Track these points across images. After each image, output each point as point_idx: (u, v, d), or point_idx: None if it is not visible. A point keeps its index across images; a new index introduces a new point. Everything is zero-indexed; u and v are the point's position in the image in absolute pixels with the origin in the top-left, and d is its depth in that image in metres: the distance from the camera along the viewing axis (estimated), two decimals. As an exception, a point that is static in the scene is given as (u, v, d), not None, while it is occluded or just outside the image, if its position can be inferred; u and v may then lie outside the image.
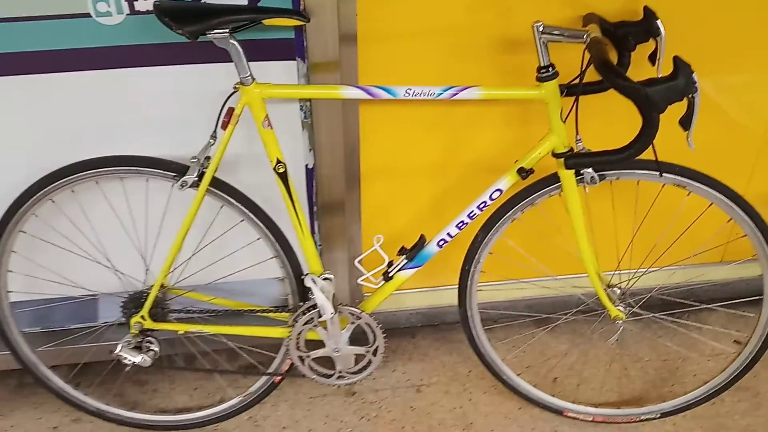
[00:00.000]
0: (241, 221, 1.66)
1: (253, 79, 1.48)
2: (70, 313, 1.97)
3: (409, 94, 1.48)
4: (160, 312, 1.72)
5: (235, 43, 1.44)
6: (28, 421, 1.95)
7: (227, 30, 1.41)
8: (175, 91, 1.64)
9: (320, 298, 1.60)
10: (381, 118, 1.77)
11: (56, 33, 1.52)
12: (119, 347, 1.69)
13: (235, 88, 1.50)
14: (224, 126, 1.52)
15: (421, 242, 1.65)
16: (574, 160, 1.51)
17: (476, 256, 1.69)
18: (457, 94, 1.47)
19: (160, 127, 1.68)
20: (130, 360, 1.68)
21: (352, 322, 1.71)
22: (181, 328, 1.70)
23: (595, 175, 1.55)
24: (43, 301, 1.89)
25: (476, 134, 1.84)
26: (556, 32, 1.43)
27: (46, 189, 1.60)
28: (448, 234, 1.62)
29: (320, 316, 1.65)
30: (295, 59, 1.63)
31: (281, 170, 1.55)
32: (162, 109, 1.66)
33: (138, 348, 1.71)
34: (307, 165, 1.80)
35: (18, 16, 1.49)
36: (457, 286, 1.75)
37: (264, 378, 1.86)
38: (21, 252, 1.72)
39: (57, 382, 1.86)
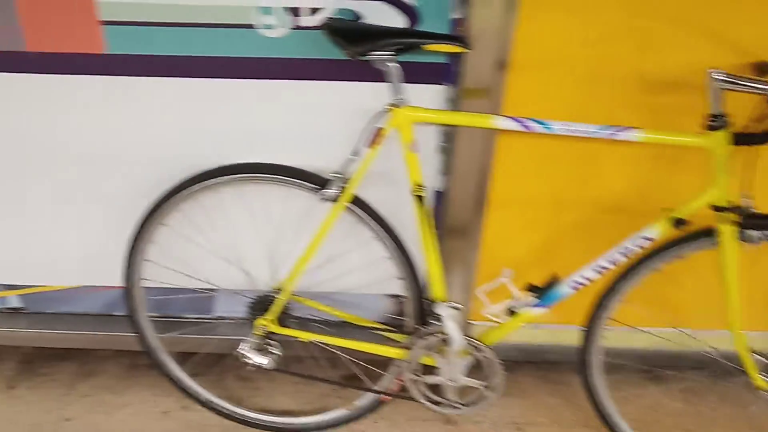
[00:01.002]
0: (372, 238, 1.67)
1: (406, 102, 1.49)
2: (187, 304, 2.05)
3: (565, 130, 1.45)
4: (282, 317, 1.75)
5: (394, 65, 1.45)
6: (139, 401, 2.03)
7: (392, 52, 1.43)
8: (320, 105, 1.68)
9: (452, 328, 1.59)
10: (516, 147, 1.75)
11: (222, 41, 1.58)
12: (244, 347, 1.73)
13: (386, 108, 1.51)
14: (370, 145, 1.54)
15: (554, 282, 1.61)
16: (754, 221, 1.45)
17: (608, 302, 1.64)
18: (615, 134, 1.43)
19: (301, 138, 1.72)
20: (254, 361, 1.72)
21: (473, 354, 1.69)
22: (304, 336, 1.73)
23: (764, 235, 1.48)
24: (166, 290, 1.97)
25: (610, 172, 1.78)
26: (739, 82, 1.35)
27: (193, 188, 1.66)
28: (585, 277, 1.58)
29: (445, 344, 1.64)
30: (442, 84, 1.63)
31: (420, 194, 1.55)
32: (305, 122, 1.70)
33: (260, 349, 1.74)
34: (435, 188, 1.80)
35: (189, 22, 1.56)
36: (582, 328, 1.71)
37: (372, 395, 1.86)
38: (159, 242, 1.80)
39: (174, 369, 1.92)
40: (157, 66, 1.60)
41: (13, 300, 2.04)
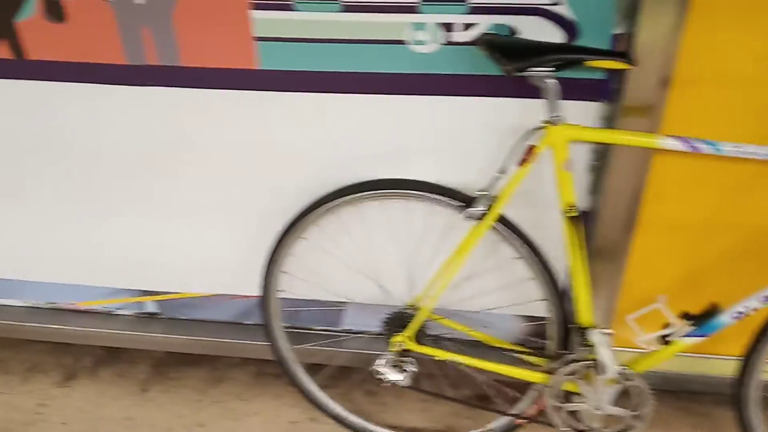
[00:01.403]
0: (515, 258, 1.63)
1: (562, 119, 1.44)
2: (316, 316, 2.06)
3: (735, 151, 1.36)
4: (418, 334, 1.73)
5: (553, 81, 1.40)
6: (267, 410, 2.05)
7: (551, 68, 1.38)
8: (467, 121, 1.64)
9: (606, 355, 1.52)
10: (672, 167, 1.66)
11: (373, 57, 1.57)
12: (380, 363, 1.72)
13: (540, 126, 1.47)
14: (522, 163, 1.49)
15: (713, 310, 1.52)
16: None
17: (771, 334, 1.53)
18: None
19: (445, 154, 1.69)
20: (390, 378, 1.71)
21: (621, 383, 1.61)
22: (442, 355, 1.70)
23: None
24: (298, 301, 1.99)
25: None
26: None
27: (335, 202, 1.67)
28: (749, 307, 1.48)
29: (593, 370, 1.58)
30: (598, 101, 1.57)
31: (573, 214, 1.50)
32: (449, 137, 1.67)
33: (396, 366, 1.73)
34: (583, 208, 1.74)
35: (340, 38, 1.56)
36: (740, 359, 1.60)
37: (506, 417, 1.82)
38: (297, 255, 1.82)
39: (305, 380, 1.94)
40: (307, 81, 1.61)
41: (150, 305, 2.11)
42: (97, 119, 1.74)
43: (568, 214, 1.50)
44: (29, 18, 1.60)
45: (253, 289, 1.98)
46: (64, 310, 2.14)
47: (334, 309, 2.00)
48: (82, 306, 2.13)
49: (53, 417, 2.02)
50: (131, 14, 1.58)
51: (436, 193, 1.61)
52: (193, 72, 1.64)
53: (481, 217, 1.55)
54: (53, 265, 2.04)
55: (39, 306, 2.16)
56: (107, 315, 2.13)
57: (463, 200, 1.59)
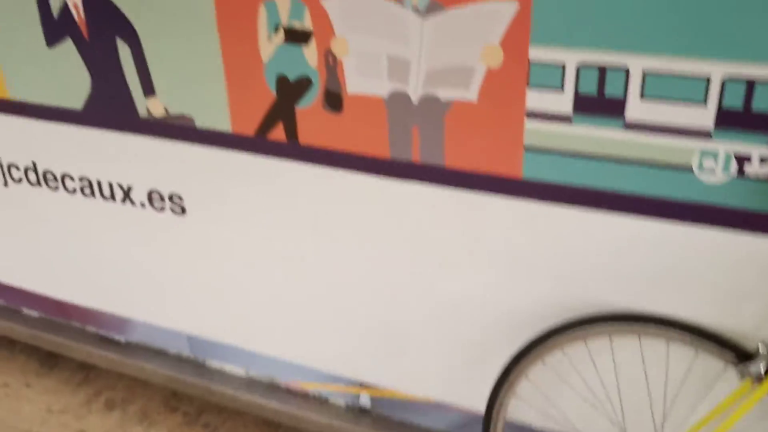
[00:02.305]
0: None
1: None
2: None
3: None
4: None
5: None
6: None
7: None
8: (749, 260, 1.45)
9: None
10: None
11: (647, 179, 1.46)
12: None
13: None
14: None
15: None
16: None
17: None
18: None
19: (701, 290, 1.51)
20: None
21: None
22: None
23: None
24: (522, 427, 1.85)
25: None
26: None
27: (584, 328, 1.53)
28: None
29: None
30: None
31: None
32: (711, 274, 1.49)
33: None
34: None
35: (616, 155, 1.47)
36: None
37: None
38: (531, 378, 1.69)
39: None
40: (571, 195, 1.53)
41: (363, 398, 2.08)
42: (352, 207, 1.79)
43: None
44: (309, 106, 1.71)
45: (474, 402, 1.87)
46: (279, 387, 2.18)
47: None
48: (299, 386, 2.15)
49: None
50: (404, 112, 1.62)
51: (705, 338, 1.42)
52: (455, 173, 1.63)
53: (761, 379, 1.33)
54: (277, 339, 2.10)
55: (257, 378, 2.23)
56: (321, 401, 2.12)
57: (738, 351, 1.38)
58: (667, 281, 1.52)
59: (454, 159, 1.62)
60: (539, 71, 1.45)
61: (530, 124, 1.51)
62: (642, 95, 1.39)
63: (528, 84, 1.47)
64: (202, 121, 1.83)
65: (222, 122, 1.81)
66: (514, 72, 1.47)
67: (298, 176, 1.80)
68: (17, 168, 2.20)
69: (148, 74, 1.83)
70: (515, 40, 1.44)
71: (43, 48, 1.92)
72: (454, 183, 1.64)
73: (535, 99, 1.48)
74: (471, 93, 1.53)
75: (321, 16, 1.58)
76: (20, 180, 2.22)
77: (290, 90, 1.70)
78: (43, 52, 1.93)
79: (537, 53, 1.43)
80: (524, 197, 1.58)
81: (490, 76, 1.50)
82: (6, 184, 2.26)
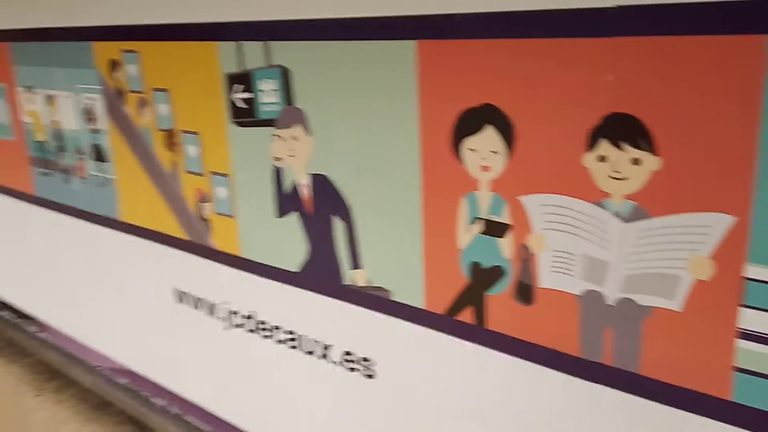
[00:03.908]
0: None
1: None
2: None
3: None
4: None
5: None
6: None
7: None
8: None
9: None
10: None
11: None
12: None
13: None
14: None
15: None
16: None
17: None
18: None
19: None
20: None
21: None
22: None
23: None
24: None
25: None
26: None
27: None
28: None
29: None
30: None
31: None
32: None
33: None
34: None
35: None
36: None
37: None
38: None
39: None
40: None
41: None
42: (537, 405, 1.72)
43: None
44: (499, 294, 1.72)
45: None
46: None
47: None
48: None
49: None
50: (598, 313, 1.56)
51: None
52: (652, 383, 1.51)
53: None
54: None
55: None
56: None
57: None
58: None
59: (651, 368, 1.50)
60: (757, 290, 1.33)
61: (744, 344, 1.37)
62: None
63: (742, 303, 1.35)
64: (399, 296, 1.93)
65: (416, 299, 1.89)
66: (727, 287, 1.36)
67: (483, 362, 1.79)
68: (237, 314, 2.47)
69: (357, 250, 1.99)
70: (729, 254, 1.35)
71: (273, 218, 2.20)
72: (649, 393, 1.51)
73: (751, 319, 1.35)
74: (675, 302, 1.44)
75: (520, 212, 1.62)
76: (240, 326, 2.47)
77: (483, 277, 1.73)
78: (272, 221, 2.20)
79: (755, 272, 1.32)
80: (731, 423, 1.41)
81: (699, 287, 1.40)
82: (227, 328, 2.52)
